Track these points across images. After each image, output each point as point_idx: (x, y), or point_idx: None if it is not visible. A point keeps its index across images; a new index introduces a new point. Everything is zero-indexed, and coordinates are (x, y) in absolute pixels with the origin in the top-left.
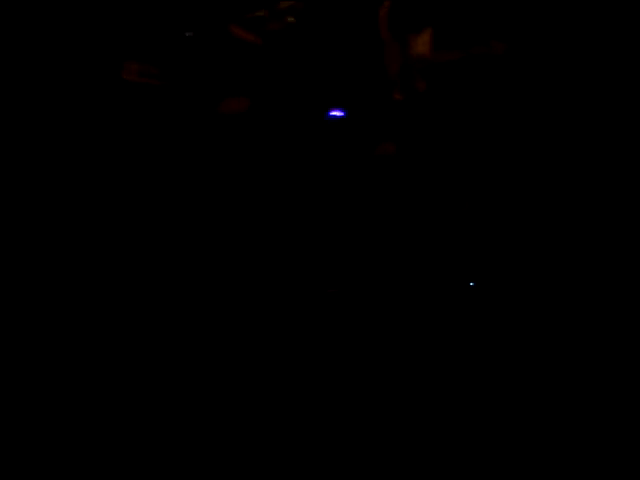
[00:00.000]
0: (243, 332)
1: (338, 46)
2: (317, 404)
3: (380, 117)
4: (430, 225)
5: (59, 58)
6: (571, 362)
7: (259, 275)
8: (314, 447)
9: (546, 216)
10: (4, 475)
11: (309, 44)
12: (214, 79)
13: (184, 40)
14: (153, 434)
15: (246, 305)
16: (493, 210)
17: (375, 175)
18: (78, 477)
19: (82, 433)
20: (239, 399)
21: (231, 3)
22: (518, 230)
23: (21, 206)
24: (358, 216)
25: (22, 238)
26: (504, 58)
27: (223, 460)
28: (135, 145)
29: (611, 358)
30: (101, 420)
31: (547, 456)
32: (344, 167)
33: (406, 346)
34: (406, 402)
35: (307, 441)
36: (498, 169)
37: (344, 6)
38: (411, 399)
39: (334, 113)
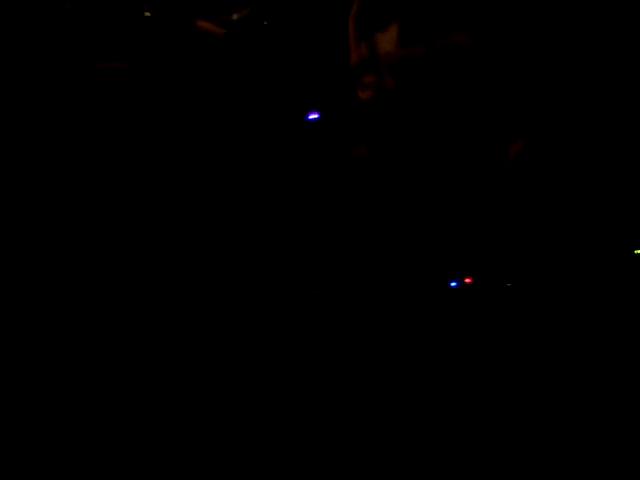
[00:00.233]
0: (236, 330)
1: (305, 47)
2: (311, 403)
3: (351, 118)
4: (408, 222)
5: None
6: (570, 359)
7: (246, 277)
8: (313, 447)
9: (519, 206)
10: (4, 475)
11: (277, 46)
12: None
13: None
14: (153, 434)
15: (235, 305)
16: (469, 204)
17: (351, 177)
18: (78, 477)
19: (82, 433)
20: (235, 398)
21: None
22: (493, 223)
23: (21, 206)
24: (340, 217)
25: (22, 238)
26: (470, 49)
27: (223, 460)
28: (136, 145)
29: (610, 356)
30: (101, 420)
31: (546, 456)
32: (320, 170)
33: (398, 346)
34: (401, 401)
35: (305, 441)
36: (473, 160)
37: (312, 8)
38: (406, 397)
39: (311, 116)
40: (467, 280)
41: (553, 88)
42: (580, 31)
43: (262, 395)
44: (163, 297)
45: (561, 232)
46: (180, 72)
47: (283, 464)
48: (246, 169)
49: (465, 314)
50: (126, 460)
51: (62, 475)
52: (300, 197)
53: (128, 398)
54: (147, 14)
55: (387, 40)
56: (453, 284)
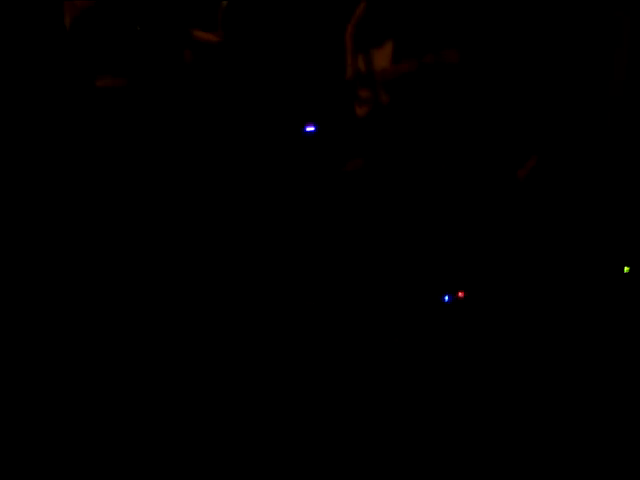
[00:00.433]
0: (236, 330)
1: (303, 60)
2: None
3: (346, 132)
4: (404, 235)
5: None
6: (568, 363)
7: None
8: (312, 447)
9: (516, 223)
10: (4, 475)
11: (275, 57)
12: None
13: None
14: (153, 433)
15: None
16: (464, 215)
17: (346, 190)
18: (78, 477)
19: (82, 432)
20: (235, 398)
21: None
22: (488, 236)
23: (21, 206)
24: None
25: (22, 238)
26: (460, 66)
27: (223, 460)
28: (137, 146)
29: (609, 360)
30: (101, 420)
31: (546, 456)
32: (315, 182)
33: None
34: (398, 404)
35: (303, 441)
36: (467, 174)
37: (311, 20)
38: (403, 400)
39: (307, 129)
40: (460, 294)
41: (548, 101)
42: (571, 46)
43: (262, 395)
44: (163, 297)
45: (563, 247)
46: (178, 84)
47: (283, 464)
48: (243, 179)
49: (458, 328)
50: (126, 460)
51: (62, 475)
52: (295, 207)
53: (128, 397)
54: (138, 28)
55: (382, 56)
56: (446, 298)
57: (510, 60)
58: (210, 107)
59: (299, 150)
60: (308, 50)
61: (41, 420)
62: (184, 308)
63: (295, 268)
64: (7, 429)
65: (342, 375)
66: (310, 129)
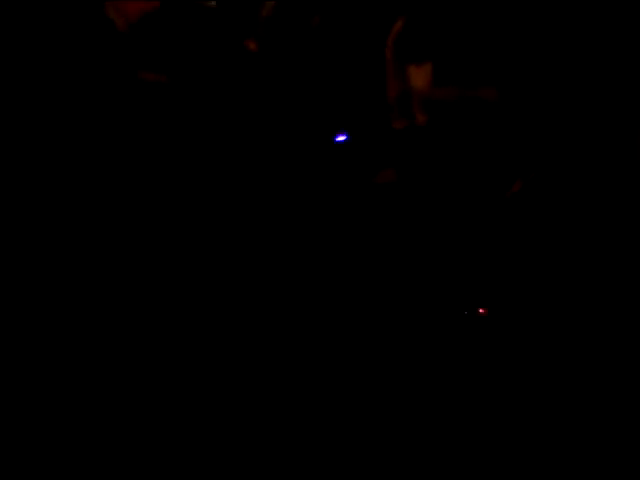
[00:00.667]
0: (235, 330)
1: (342, 69)
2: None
3: (381, 144)
4: (429, 251)
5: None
6: (572, 367)
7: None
8: (313, 447)
9: (540, 249)
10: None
11: (315, 63)
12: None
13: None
14: (153, 434)
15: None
16: (489, 237)
17: (375, 201)
18: (78, 477)
19: (82, 433)
20: (235, 398)
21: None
22: (513, 258)
23: (21, 206)
24: (357, 241)
25: (22, 238)
26: (496, 104)
27: (223, 460)
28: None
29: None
30: (101, 420)
31: (545, 456)
32: (344, 192)
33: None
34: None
35: (303, 442)
36: (494, 200)
37: (352, 29)
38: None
39: (339, 138)
40: (481, 311)
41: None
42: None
43: (262, 395)
44: (163, 297)
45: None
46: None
47: (283, 464)
48: (269, 185)
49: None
50: (126, 460)
51: (62, 475)
52: (321, 215)
53: (127, 397)
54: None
55: (421, 76)
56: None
57: (546, 105)
58: (248, 111)
59: (330, 158)
60: (347, 61)
61: (41, 420)
62: (188, 308)
63: (318, 277)
64: (7, 429)
65: (344, 377)
66: (341, 138)
